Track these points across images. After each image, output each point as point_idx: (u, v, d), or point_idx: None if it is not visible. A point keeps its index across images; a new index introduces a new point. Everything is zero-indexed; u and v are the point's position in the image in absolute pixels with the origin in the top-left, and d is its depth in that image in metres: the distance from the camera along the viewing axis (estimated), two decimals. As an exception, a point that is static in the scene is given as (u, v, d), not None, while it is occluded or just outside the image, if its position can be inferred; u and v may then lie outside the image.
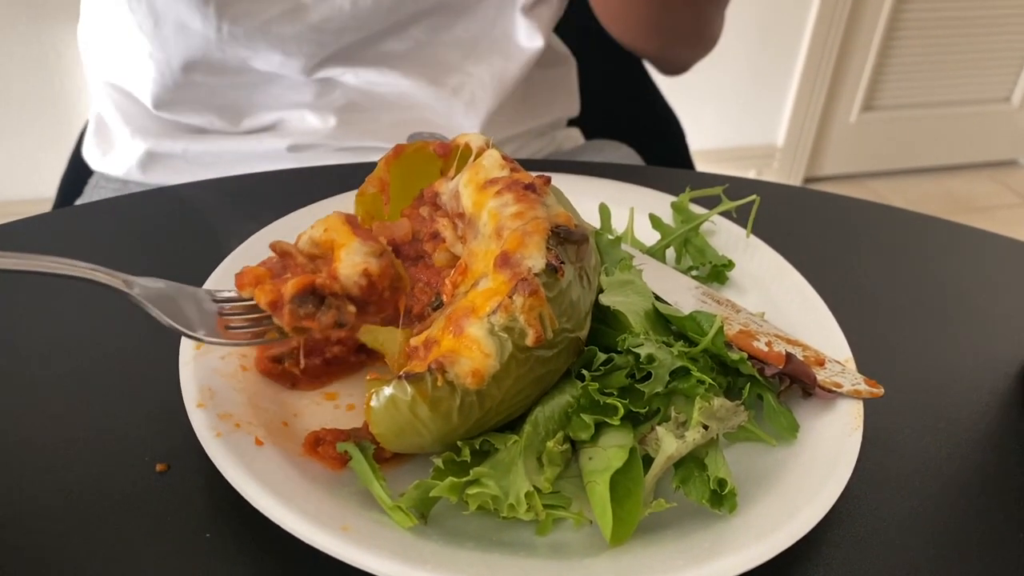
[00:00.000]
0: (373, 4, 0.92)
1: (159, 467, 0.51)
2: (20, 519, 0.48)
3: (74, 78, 2.25)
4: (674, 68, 1.13)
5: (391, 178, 0.63)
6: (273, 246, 0.54)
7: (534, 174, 0.57)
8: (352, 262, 0.52)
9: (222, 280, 0.60)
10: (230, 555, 0.47)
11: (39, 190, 2.35)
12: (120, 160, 1.03)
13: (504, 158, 0.58)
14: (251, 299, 0.51)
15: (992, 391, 0.63)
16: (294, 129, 0.98)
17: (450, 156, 0.62)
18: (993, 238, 0.81)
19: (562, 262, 0.51)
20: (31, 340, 0.60)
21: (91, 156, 1.06)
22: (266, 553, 0.47)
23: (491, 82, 1.00)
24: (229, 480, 0.46)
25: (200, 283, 0.60)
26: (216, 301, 0.52)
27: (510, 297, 0.49)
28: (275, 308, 0.51)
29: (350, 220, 0.55)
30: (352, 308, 0.52)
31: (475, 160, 0.60)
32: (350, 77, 0.97)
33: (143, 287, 0.49)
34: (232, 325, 0.51)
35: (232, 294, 0.52)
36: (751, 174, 3.20)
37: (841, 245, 0.76)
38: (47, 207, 1.07)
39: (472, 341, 0.49)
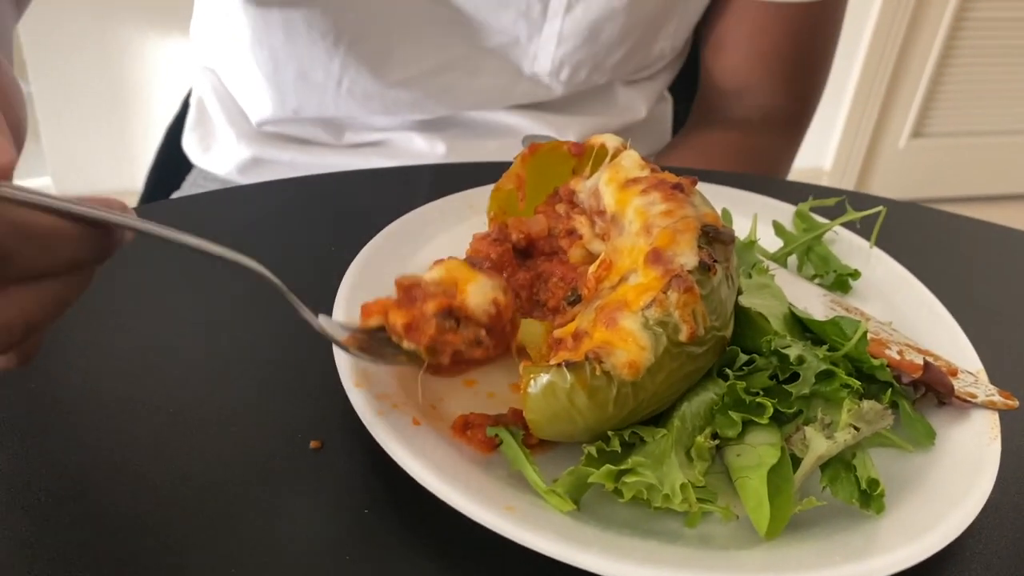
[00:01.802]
0: (507, 84, 0.96)
1: (313, 444, 0.53)
2: (177, 494, 0.50)
3: (139, 72, 2.29)
4: None
5: (527, 175, 0.64)
6: (399, 281, 0.55)
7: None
8: (482, 291, 0.54)
9: (356, 295, 0.60)
10: (390, 530, 0.48)
11: (98, 184, 2.39)
12: (222, 160, 1.05)
13: (643, 159, 0.60)
14: (376, 329, 0.53)
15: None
16: (402, 150, 1.00)
17: (584, 156, 0.64)
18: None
19: (715, 260, 0.52)
20: (192, 319, 0.62)
21: (192, 150, 1.08)
22: (425, 529, 0.48)
23: (590, 132, 1.03)
24: (394, 458, 0.48)
25: (326, 279, 0.61)
26: (345, 329, 0.53)
27: (664, 292, 0.50)
28: (411, 330, 0.52)
29: (470, 262, 0.57)
30: (484, 332, 0.54)
31: (612, 160, 0.61)
32: (456, 115, 1.00)
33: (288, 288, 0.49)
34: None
35: (355, 327, 0.53)
36: (798, 196, 3.20)
37: (957, 262, 0.77)
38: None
39: (627, 334, 0.50)
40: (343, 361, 0.53)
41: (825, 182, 3.18)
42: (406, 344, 0.53)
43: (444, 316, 0.53)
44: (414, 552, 0.48)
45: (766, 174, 1.10)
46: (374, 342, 0.53)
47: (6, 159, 0.38)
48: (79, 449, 0.52)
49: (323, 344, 0.55)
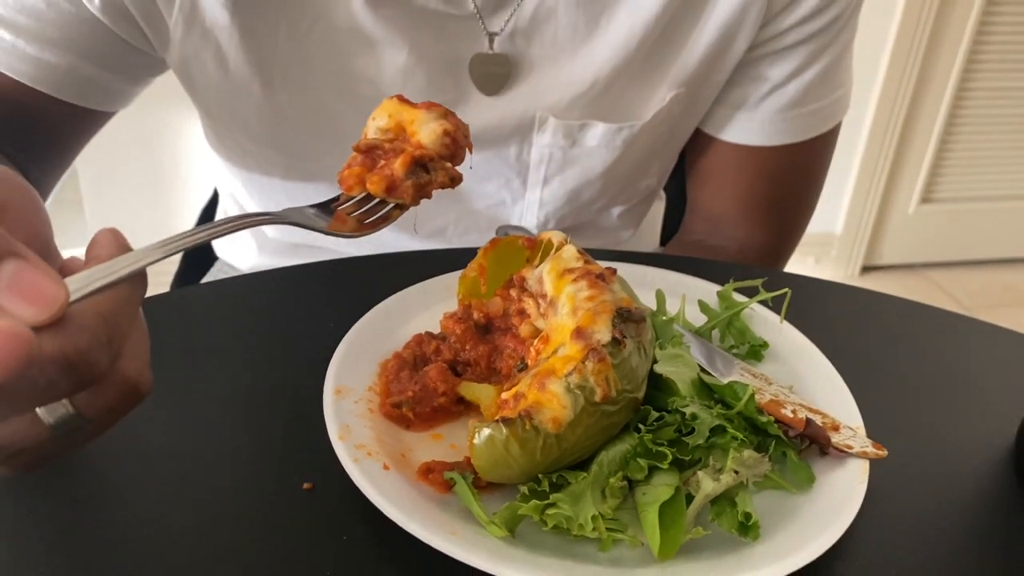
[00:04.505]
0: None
1: (306, 486, 0.65)
2: (176, 521, 0.62)
3: (177, 152, 2.47)
4: None
5: (488, 264, 0.78)
6: (357, 147, 0.62)
7: (604, 264, 0.71)
8: (430, 129, 0.63)
9: (345, 364, 0.72)
10: (366, 555, 0.61)
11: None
12: (244, 259, 1.18)
13: (580, 252, 0.73)
14: (360, 196, 0.60)
15: (986, 459, 0.74)
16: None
17: (535, 248, 0.77)
18: (1007, 334, 0.91)
19: (625, 336, 0.65)
20: (196, 367, 0.75)
21: (218, 242, 1.23)
22: (392, 552, 0.61)
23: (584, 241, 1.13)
24: (368, 496, 0.60)
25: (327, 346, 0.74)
26: (335, 207, 0.60)
27: (583, 362, 0.63)
28: (391, 190, 0.60)
29: (402, 99, 0.66)
30: (448, 164, 0.64)
31: (555, 252, 0.74)
32: None
33: (290, 212, 0.57)
34: (362, 220, 0.60)
35: (341, 197, 0.60)
36: (810, 261, 3.31)
37: (864, 334, 0.88)
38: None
39: (553, 395, 0.62)
40: (330, 418, 0.66)
41: (837, 247, 3.28)
42: (392, 199, 0.62)
43: (414, 170, 0.61)
44: (386, 572, 0.60)
45: None
46: (367, 207, 0.60)
47: (49, 295, 0.36)
48: (77, 490, 0.63)
49: (316, 402, 0.68)
